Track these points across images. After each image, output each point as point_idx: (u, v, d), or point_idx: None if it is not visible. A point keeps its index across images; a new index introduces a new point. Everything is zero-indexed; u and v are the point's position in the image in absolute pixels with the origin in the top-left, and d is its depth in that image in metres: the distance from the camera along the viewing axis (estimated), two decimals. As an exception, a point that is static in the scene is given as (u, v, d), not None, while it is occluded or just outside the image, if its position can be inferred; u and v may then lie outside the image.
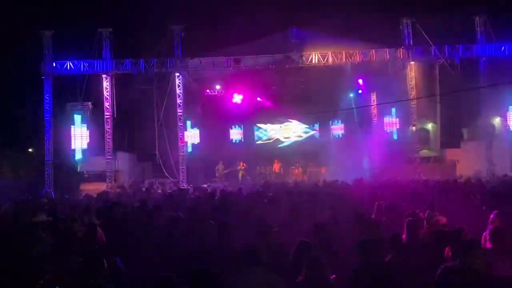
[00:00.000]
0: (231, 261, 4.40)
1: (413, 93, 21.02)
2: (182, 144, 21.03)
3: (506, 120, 22.53)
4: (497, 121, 26.26)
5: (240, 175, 24.17)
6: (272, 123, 28.09)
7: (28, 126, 24.45)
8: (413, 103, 20.90)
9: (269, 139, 27.97)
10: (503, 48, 20.65)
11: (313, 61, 21.01)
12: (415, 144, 21.27)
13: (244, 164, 24.36)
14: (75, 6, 24.67)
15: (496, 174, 19.51)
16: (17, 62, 24.51)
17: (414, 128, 21.21)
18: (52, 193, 19.15)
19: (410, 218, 5.76)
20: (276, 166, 24.56)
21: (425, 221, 6.25)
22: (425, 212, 6.49)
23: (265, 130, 28.38)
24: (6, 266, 4.09)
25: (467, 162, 23.17)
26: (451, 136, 21.36)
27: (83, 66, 20.78)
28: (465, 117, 21.76)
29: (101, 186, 19.75)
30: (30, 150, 27.73)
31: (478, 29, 20.53)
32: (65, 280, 3.93)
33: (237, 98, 26.07)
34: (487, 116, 21.27)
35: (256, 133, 28.95)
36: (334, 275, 4.24)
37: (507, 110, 22.00)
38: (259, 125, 27.88)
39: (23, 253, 4.82)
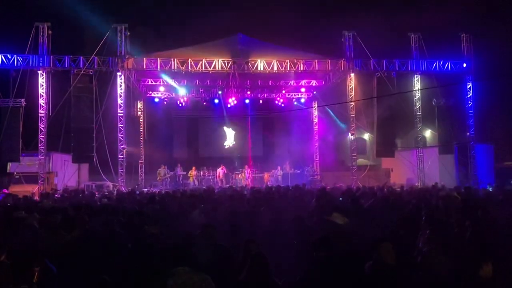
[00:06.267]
0: (162, 260, 4.31)
1: (352, 103, 21.81)
2: (122, 146, 20.32)
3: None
4: (428, 132, 28.06)
5: (191, 179, 24.00)
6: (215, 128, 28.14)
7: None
8: (352, 113, 21.66)
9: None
10: (434, 64, 22.03)
11: (259, 68, 21.35)
12: (352, 153, 21.99)
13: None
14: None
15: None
16: None
17: (352, 137, 21.96)
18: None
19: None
20: (221, 172, 24.40)
21: None
22: None
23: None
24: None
25: (401, 170, 24.52)
26: (386, 145, 22.22)
27: (17, 60, 19.64)
28: (399, 127, 22.83)
29: (32, 188, 18.67)
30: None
31: (413, 45, 21.79)
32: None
33: (181, 101, 25.74)
34: (419, 127, 22.54)
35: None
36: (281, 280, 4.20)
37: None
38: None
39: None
